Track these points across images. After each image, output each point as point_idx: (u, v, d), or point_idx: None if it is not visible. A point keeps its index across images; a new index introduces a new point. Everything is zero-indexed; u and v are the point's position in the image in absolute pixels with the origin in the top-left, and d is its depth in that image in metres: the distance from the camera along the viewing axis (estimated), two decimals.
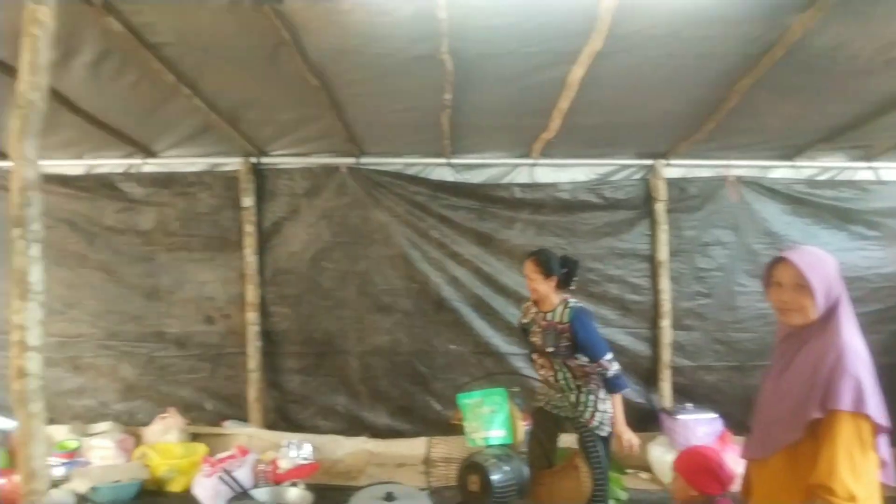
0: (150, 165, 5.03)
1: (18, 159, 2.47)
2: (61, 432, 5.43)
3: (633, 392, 4.99)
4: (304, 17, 2.90)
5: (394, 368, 5.18)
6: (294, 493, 3.98)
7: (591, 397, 3.34)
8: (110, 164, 5.05)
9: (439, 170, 5.06)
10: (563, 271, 3.41)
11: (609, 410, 3.34)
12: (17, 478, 4.52)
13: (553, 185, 5.00)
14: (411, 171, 5.08)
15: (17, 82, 2.42)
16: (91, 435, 5.19)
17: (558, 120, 4.08)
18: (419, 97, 3.81)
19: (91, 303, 5.23)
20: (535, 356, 3.58)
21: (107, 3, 2.78)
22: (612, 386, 3.32)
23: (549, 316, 3.40)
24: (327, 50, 3.23)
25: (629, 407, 4.95)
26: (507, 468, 2.59)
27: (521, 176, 5.04)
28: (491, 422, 2.82)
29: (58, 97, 3.73)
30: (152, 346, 5.24)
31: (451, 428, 5.09)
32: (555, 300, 3.40)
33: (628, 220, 5.12)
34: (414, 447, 4.96)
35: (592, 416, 3.31)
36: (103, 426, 5.30)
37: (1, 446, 5.12)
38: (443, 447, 3.04)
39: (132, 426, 5.32)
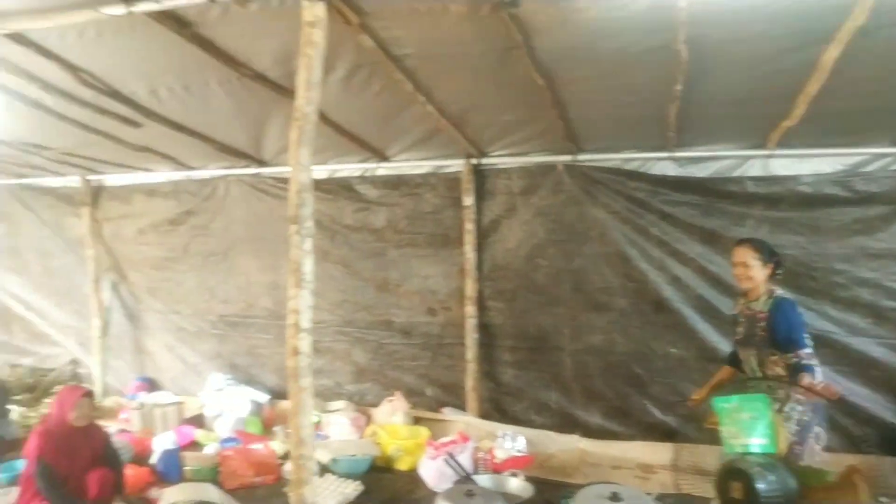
0: (383, 169, 5.50)
1: (295, 165, 2.84)
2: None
3: (887, 411, 4.39)
4: (539, 18, 2.96)
5: (608, 368, 5.09)
6: (515, 483, 4.09)
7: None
8: (349, 168, 5.60)
9: (661, 164, 4.86)
10: (775, 259, 3.34)
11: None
12: (271, 444, 5.27)
13: (793, 178, 4.54)
14: (630, 167, 4.94)
15: (295, 98, 2.77)
16: (328, 412, 5.81)
17: (803, 106, 3.71)
18: (646, 90, 3.70)
19: (331, 293, 5.83)
20: (739, 350, 3.47)
21: (363, 22, 3.08)
22: (802, 371, 3.05)
23: (752, 305, 3.31)
24: (556, 49, 3.27)
25: (880, 427, 4.42)
26: (772, 478, 2.44)
27: (754, 168, 4.65)
28: (752, 428, 2.67)
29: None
30: (381, 334, 5.72)
31: (669, 433, 4.95)
32: (762, 289, 3.30)
33: (884, 215, 4.48)
34: (628, 450, 4.85)
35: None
36: (338, 404, 5.90)
37: (256, 416, 5.95)
38: (689, 454, 2.93)
39: (362, 406, 5.86)
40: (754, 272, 3.26)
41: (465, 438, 4.76)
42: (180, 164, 5.94)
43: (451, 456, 4.32)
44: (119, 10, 2.91)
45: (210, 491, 3.99)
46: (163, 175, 6.25)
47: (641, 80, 3.58)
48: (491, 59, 3.44)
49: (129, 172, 6.31)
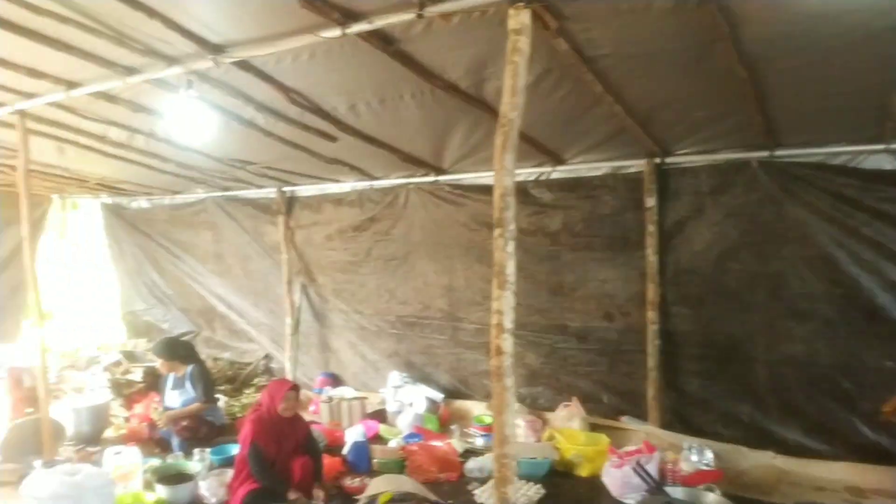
0: (559, 172, 5.48)
1: (500, 170, 2.91)
2: (479, 408, 6.28)
3: None
4: (751, 7, 2.80)
5: (810, 381, 4.68)
6: (712, 498, 3.88)
7: None
8: (524, 172, 5.64)
9: (874, 158, 4.39)
10: None
11: None
12: (448, 441, 5.43)
13: None
14: (836, 161, 4.52)
15: (501, 104, 2.84)
16: None
17: None
18: (867, 77, 3.37)
19: None
20: None
21: (561, 26, 3.09)
22: None
23: None
24: (766, 38, 3.07)
25: None
26: None
27: None
28: None
29: (495, 116, 4.33)
30: (555, 338, 5.69)
31: (882, 455, 4.44)
32: None
33: None
34: (834, 471, 4.46)
35: None
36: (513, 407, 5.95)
37: (432, 414, 6.16)
38: None
39: (535, 409, 5.87)
40: None
41: (651, 448, 4.59)
42: (365, 175, 6.33)
43: (640, 465, 4.18)
44: (335, 32, 3.15)
45: (410, 483, 4.19)
46: (348, 185, 6.70)
47: (863, 66, 3.26)
48: (690, 55, 3.31)
49: (319, 183, 6.84)
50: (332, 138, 5.00)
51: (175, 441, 5.31)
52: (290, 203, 7.17)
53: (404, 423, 5.80)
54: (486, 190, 5.84)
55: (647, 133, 4.54)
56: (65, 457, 4.95)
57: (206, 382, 5.68)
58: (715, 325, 4.99)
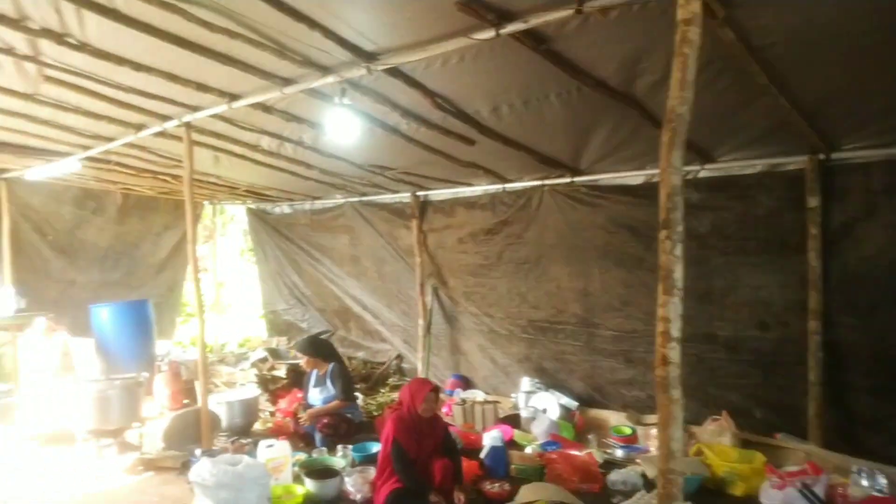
0: (707, 171, 5.17)
1: (666, 168, 2.76)
2: (616, 417, 6.07)
3: None
4: None
5: None
6: None
7: None
8: None
9: None
10: None
11: None
12: (588, 451, 5.28)
13: None
14: None
15: (668, 99, 2.70)
16: (644, 424, 5.63)
17: None
18: None
19: (645, 302, 5.67)
20: None
21: (728, 15, 2.90)
22: None
23: None
24: None
25: None
26: None
27: None
28: None
29: (644, 112, 4.16)
30: (702, 348, 5.37)
31: None
32: None
33: None
34: None
35: None
36: (655, 418, 5.68)
37: (567, 421, 6.01)
38: None
39: None
40: None
41: (817, 470, 4.21)
42: (498, 178, 6.32)
43: (807, 487, 3.84)
44: (489, 34, 3.14)
45: (561, 493, 4.10)
46: (481, 188, 6.72)
47: None
48: (875, 38, 3.00)
49: (452, 187, 6.92)
50: (470, 142, 5.03)
51: (317, 437, 5.54)
52: (424, 207, 7.30)
53: (539, 430, 5.70)
54: (626, 191, 5.65)
55: (812, 127, 4.17)
56: (220, 446, 5.31)
57: (347, 381, 5.89)
58: (890, 337, 4.50)
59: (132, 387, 5.06)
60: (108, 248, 8.64)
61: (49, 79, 4.31)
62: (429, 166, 6.04)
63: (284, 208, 9.10)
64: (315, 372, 5.91)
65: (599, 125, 4.56)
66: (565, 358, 6.41)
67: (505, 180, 6.42)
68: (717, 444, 4.94)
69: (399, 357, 8.06)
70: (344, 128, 4.43)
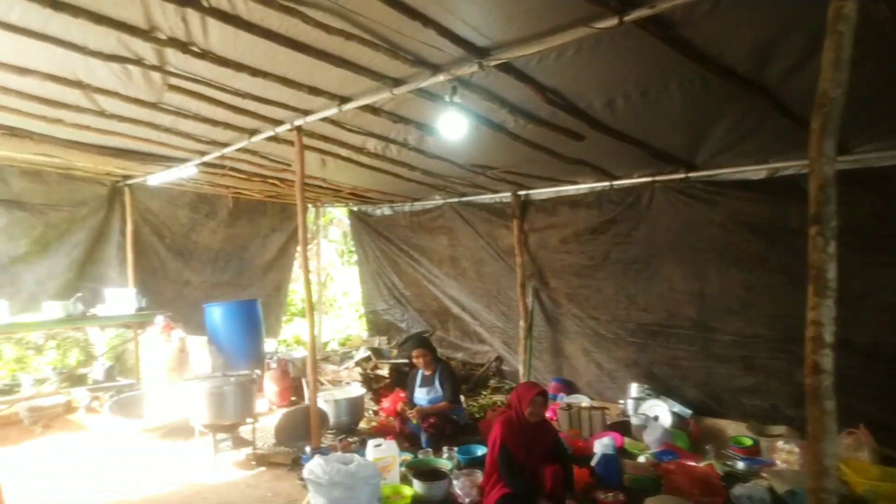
0: (840, 163, 4.74)
1: (817, 158, 2.53)
2: (734, 427, 5.71)
3: None
4: None
5: None
6: None
7: None
8: (796, 165, 5.00)
9: None
10: None
11: None
12: (708, 462, 4.97)
13: None
14: None
15: (819, 83, 2.46)
16: (768, 436, 5.26)
17: None
18: None
19: (768, 304, 5.30)
20: None
21: None
22: None
23: None
24: None
25: None
26: None
27: None
28: None
29: (773, 101, 3.85)
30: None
31: None
32: None
33: None
34: None
35: None
36: (779, 429, 5.31)
37: (682, 430, 5.71)
38: None
39: (805, 433, 5.16)
40: None
41: None
42: (605, 175, 6.10)
43: None
44: (612, 21, 2.99)
45: None
46: (586, 186, 6.52)
47: None
48: None
49: (555, 186, 6.76)
50: (579, 137, 4.86)
51: (423, 436, 5.54)
52: (525, 206, 7.17)
53: (651, 439, 5.44)
54: (747, 186, 5.30)
55: None
56: (328, 444, 5.41)
57: (456, 382, 5.87)
58: None
59: (246, 384, 5.23)
60: (220, 250, 9.01)
61: (172, 87, 4.51)
62: (533, 164, 5.91)
63: (385, 210, 9.22)
64: (421, 372, 5.91)
65: (722, 116, 4.27)
66: (678, 363, 6.09)
67: (612, 177, 6.19)
68: (855, 460, 4.53)
69: (499, 359, 7.97)
70: (451, 127, 4.39)
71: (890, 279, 4.66)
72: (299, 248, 5.87)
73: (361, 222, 9.61)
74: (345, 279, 12.82)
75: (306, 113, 4.99)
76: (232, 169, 7.04)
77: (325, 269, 12.42)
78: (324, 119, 5.01)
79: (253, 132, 5.61)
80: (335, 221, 13.54)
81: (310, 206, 9.92)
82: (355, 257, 10.55)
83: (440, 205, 8.21)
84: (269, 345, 9.15)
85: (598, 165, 5.82)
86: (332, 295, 12.55)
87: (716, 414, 5.89)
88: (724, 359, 5.72)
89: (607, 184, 6.27)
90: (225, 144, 6.04)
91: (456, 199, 7.92)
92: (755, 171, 5.23)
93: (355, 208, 9.70)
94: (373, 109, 4.77)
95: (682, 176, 5.63)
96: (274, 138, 5.57)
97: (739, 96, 3.84)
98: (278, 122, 5.28)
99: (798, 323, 5.09)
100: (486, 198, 7.60)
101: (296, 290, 11.17)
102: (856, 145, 4.61)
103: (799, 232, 5.02)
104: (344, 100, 4.59)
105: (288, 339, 10.77)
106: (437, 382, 5.81)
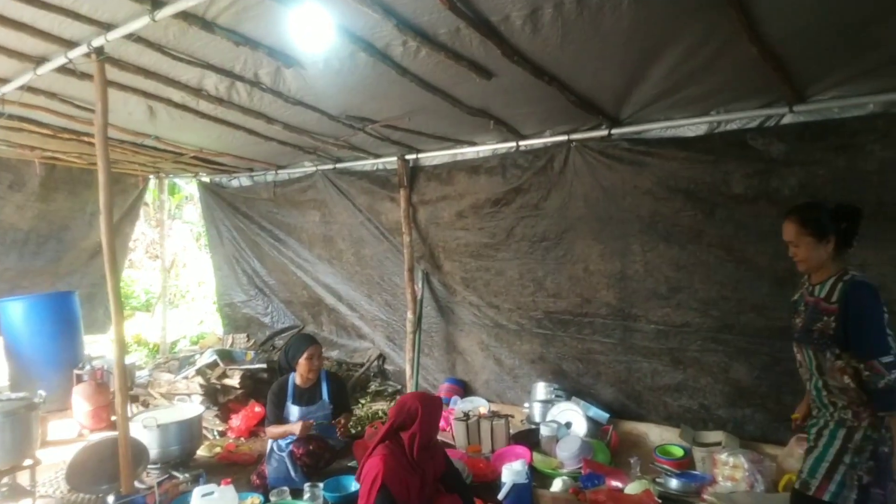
0: (796, 114, 3.94)
1: None
2: (657, 432, 4.88)
3: None
4: None
5: None
6: None
7: (840, 435, 2.53)
8: (741, 118, 4.15)
9: None
10: (841, 227, 2.60)
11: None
12: (645, 488, 4.05)
13: None
14: None
15: None
16: (703, 445, 4.43)
17: None
18: None
19: (702, 287, 4.46)
20: (795, 347, 2.79)
21: None
22: (883, 402, 2.41)
23: (816, 290, 2.62)
24: None
25: None
26: None
27: None
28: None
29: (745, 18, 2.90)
30: (778, 345, 4.17)
31: None
32: (829, 270, 2.60)
33: None
34: None
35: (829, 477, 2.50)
36: (716, 435, 4.50)
37: (600, 439, 4.80)
38: None
39: (742, 439, 4.42)
40: (805, 251, 2.62)
41: None
42: (512, 132, 5.00)
43: None
44: None
45: None
46: (488, 148, 5.40)
47: None
48: None
49: (450, 148, 5.60)
50: (486, 74, 3.72)
51: (291, 468, 4.18)
52: (414, 174, 5.95)
53: (567, 453, 4.44)
54: (682, 144, 4.42)
55: None
56: (146, 485, 3.96)
57: (347, 392, 4.62)
58: None
59: (19, 412, 3.65)
60: (31, 231, 7.22)
61: None
62: (423, 117, 4.72)
63: (243, 180, 7.66)
64: (292, 383, 4.47)
65: (675, 40, 3.25)
66: (592, 358, 5.17)
67: (520, 136, 5.10)
68: None
69: (381, 357, 6.75)
70: (313, 45, 3.13)
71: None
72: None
73: (214, 195, 7.96)
74: (201, 266, 11.03)
75: (108, 28, 3.50)
76: (27, 121, 5.29)
77: (175, 254, 10.60)
78: (136, 39, 3.57)
79: (40, 61, 4.01)
80: (190, 199, 11.67)
81: (150, 177, 8.17)
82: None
83: (311, 173, 6.81)
84: (97, 347, 7.39)
85: (503, 119, 4.72)
86: (184, 285, 10.73)
87: (635, 416, 5.03)
88: (647, 352, 4.85)
89: (513, 144, 5.18)
90: (2, 80, 4.37)
91: (330, 166, 6.56)
92: (693, 126, 4.34)
93: (207, 179, 8.05)
94: (204, 23, 3.37)
95: (603, 133, 4.65)
96: (72, 72, 4.01)
97: (703, 14, 2.87)
98: (72, 45, 3.74)
99: (737, 307, 4.31)
100: (367, 164, 6.30)
101: (135, 279, 9.33)
102: (815, 92, 3.80)
103: (743, 198, 4.23)
104: (157, 4, 3.17)
105: (126, 338, 8.92)
106: (325, 396, 4.46)
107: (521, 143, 5.13)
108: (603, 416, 5.02)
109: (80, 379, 5.44)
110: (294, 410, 4.36)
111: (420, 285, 6.06)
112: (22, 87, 4.31)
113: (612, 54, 3.44)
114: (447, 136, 5.30)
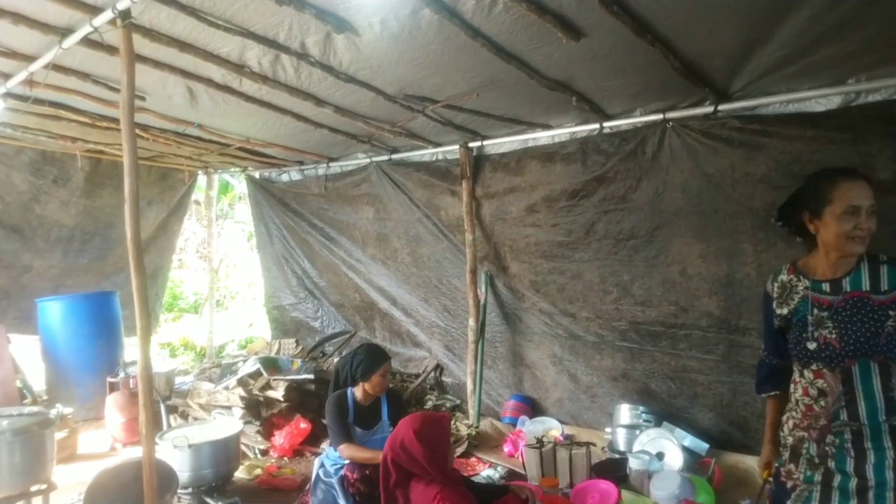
0: None
1: None
2: None
3: None
4: None
5: None
6: None
7: None
8: (888, 86, 3.34)
9: None
10: None
11: None
12: None
13: None
14: None
15: None
16: None
17: None
18: None
19: None
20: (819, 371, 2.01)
21: None
22: None
23: (846, 285, 2.00)
24: None
25: None
26: None
27: None
28: None
29: None
30: None
31: None
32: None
33: None
34: None
35: None
36: None
37: (701, 475, 4.05)
38: None
39: None
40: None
41: None
42: (595, 112, 4.29)
43: None
44: None
45: None
46: (566, 131, 4.70)
47: None
48: None
49: (521, 132, 4.93)
50: (575, 33, 3.06)
51: (342, 499, 3.56)
52: (478, 164, 5.30)
53: (663, 493, 3.69)
54: (810, 121, 3.63)
55: None
56: None
57: (406, 410, 3.94)
58: None
59: (33, 430, 3.18)
60: (75, 227, 6.93)
61: None
62: (493, 95, 4.09)
63: (293, 174, 7.17)
64: (351, 399, 3.80)
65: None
66: (688, 377, 4.41)
67: (604, 116, 4.39)
68: None
69: (438, 368, 6.12)
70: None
71: None
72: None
73: (263, 192, 7.50)
74: (251, 267, 10.66)
75: None
76: (58, 106, 4.91)
77: (225, 254, 10.27)
78: (166, 1, 3.09)
79: (65, 32, 3.56)
80: (243, 198, 11.35)
81: (199, 172, 7.80)
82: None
83: (364, 165, 6.25)
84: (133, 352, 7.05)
85: (587, 95, 4.03)
86: (233, 286, 10.37)
87: (741, 447, 4.25)
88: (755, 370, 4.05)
89: (596, 126, 4.48)
90: (30, 58, 3.95)
91: (385, 158, 5.98)
92: (824, 98, 3.56)
93: (256, 174, 7.61)
94: None
95: (708, 110, 3.89)
96: (100, 45, 3.57)
97: None
98: (96, 10, 3.27)
99: None
100: (426, 153, 5.68)
101: (184, 280, 9.00)
102: None
103: (891, 186, 3.43)
104: None
105: (174, 341, 8.60)
106: (384, 416, 3.83)
107: (605, 124, 4.41)
108: (702, 446, 4.25)
109: (113, 387, 5.03)
110: (360, 432, 3.74)
111: (483, 289, 5.40)
112: (48, 66, 3.87)
113: (739, 2, 2.73)
114: (518, 117, 4.64)
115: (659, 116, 4.12)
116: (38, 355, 5.83)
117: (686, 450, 4.19)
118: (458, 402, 5.88)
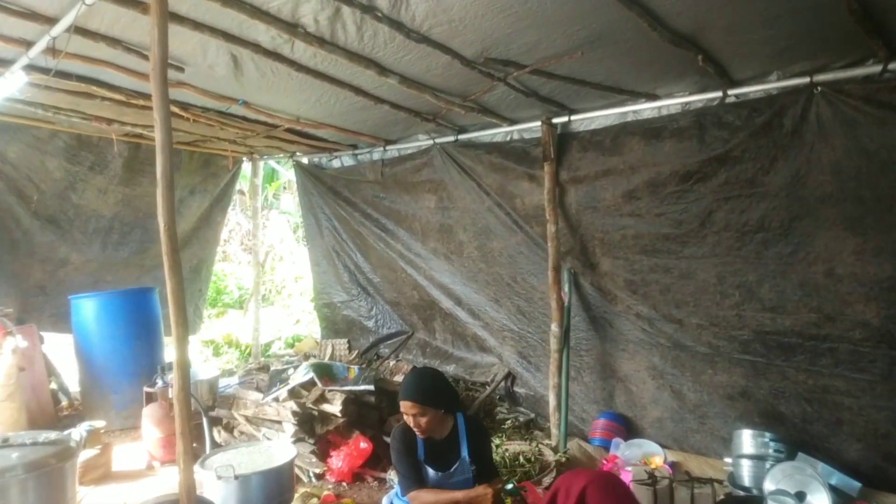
0: None
1: None
2: None
3: None
4: None
5: None
6: None
7: None
8: None
9: None
10: None
11: None
12: None
13: None
14: None
15: None
16: None
17: None
18: None
19: None
20: None
21: None
22: None
23: None
24: None
25: None
26: None
27: None
28: None
29: None
30: None
31: None
32: None
33: None
34: None
35: None
36: None
37: None
38: None
39: None
40: None
41: None
42: (718, 76, 3.51)
43: None
44: None
45: None
46: (677, 101, 3.93)
47: None
48: None
49: (619, 104, 4.17)
50: None
51: None
52: (563, 143, 4.56)
53: None
54: None
55: None
56: None
57: (489, 446, 3.18)
58: None
59: (50, 464, 2.60)
60: (114, 218, 6.49)
61: None
62: (597, 54, 3.36)
63: (345, 160, 6.53)
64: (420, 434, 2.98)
65: None
66: (830, 399, 3.61)
67: (729, 82, 3.60)
68: None
69: (510, 377, 5.42)
70: None
71: None
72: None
73: (313, 179, 6.88)
74: (298, 260, 10.13)
75: None
76: (88, 80, 4.35)
77: (271, 246, 9.75)
78: None
79: None
80: (289, 187, 10.85)
81: (243, 158, 7.26)
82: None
83: (426, 148, 5.55)
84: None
85: (714, 54, 3.26)
86: (280, 280, 9.85)
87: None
88: None
89: (717, 94, 3.69)
90: (51, 20, 3.39)
91: (450, 139, 5.28)
92: None
93: (305, 160, 7.00)
94: None
95: (873, 70, 3.08)
96: (130, 1, 3.00)
97: None
98: None
99: None
100: (499, 132, 4.96)
101: (229, 274, 8.50)
102: None
103: None
104: None
105: (217, 339, 8.10)
106: (464, 452, 3.01)
107: (730, 91, 3.63)
108: (853, 485, 3.47)
109: (150, 398, 4.48)
110: (431, 473, 2.98)
111: (567, 289, 4.68)
112: (70, 29, 3.28)
113: None
114: (619, 85, 3.88)
115: (804, 80, 3.31)
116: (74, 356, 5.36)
117: (833, 489, 3.42)
118: (531, 415, 5.18)
